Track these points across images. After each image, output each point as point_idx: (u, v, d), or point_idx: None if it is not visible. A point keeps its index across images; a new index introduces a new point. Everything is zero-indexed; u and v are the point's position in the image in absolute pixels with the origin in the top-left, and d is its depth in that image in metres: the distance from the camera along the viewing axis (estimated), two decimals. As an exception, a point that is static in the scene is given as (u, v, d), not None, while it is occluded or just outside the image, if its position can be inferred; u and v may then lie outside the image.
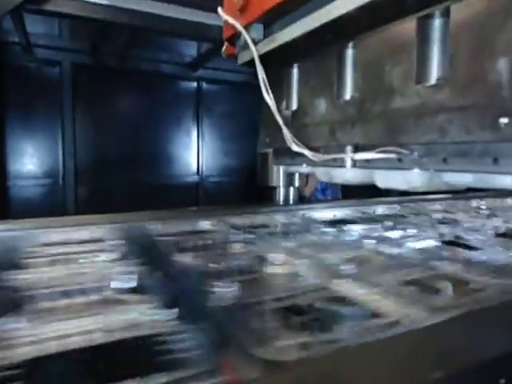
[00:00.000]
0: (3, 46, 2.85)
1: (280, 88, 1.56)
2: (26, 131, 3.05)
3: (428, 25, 0.98)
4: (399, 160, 1.06)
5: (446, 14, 0.96)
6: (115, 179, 3.36)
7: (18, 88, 2.97)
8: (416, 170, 1.04)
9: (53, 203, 3.18)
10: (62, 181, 3.20)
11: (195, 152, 3.74)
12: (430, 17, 0.97)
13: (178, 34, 2.74)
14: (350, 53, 1.24)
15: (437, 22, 0.97)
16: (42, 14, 2.43)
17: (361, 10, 0.97)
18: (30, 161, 3.11)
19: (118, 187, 3.35)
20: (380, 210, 1.85)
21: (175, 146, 3.66)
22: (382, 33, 1.08)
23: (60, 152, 3.17)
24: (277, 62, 1.53)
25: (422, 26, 0.98)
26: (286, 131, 1.27)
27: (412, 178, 1.07)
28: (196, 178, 3.77)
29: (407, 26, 1.02)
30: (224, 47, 1.60)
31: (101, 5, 2.24)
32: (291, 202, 2.11)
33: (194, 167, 3.75)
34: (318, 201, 3.08)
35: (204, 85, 3.71)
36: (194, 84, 3.69)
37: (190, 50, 3.49)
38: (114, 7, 2.29)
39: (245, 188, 3.65)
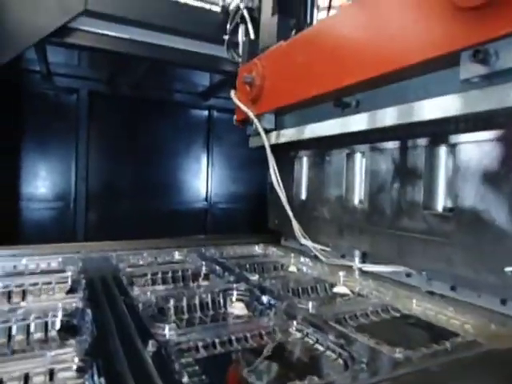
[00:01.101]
0: (24, 73, 2.99)
1: (289, 175, 1.60)
2: (40, 155, 3.14)
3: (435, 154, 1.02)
4: (408, 275, 1.11)
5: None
6: (125, 205, 3.40)
7: (36, 114, 3.08)
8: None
9: (63, 226, 3.21)
10: (73, 205, 3.25)
11: (204, 179, 3.79)
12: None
13: (192, 65, 2.84)
14: (358, 159, 1.27)
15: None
16: (64, 46, 2.56)
17: (372, 130, 1.01)
18: (43, 184, 3.17)
19: (128, 213, 3.38)
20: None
21: (185, 173, 3.71)
22: (394, 148, 1.12)
23: (73, 176, 3.23)
24: (287, 151, 1.58)
25: (429, 153, 1.03)
26: (295, 224, 1.30)
27: None
28: (205, 204, 3.80)
29: (414, 144, 1.06)
30: (235, 116, 1.64)
31: (120, 38, 2.34)
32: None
33: (203, 194, 3.79)
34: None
35: (215, 113, 3.80)
36: (206, 112, 3.78)
37: (203, 80, 3.60)
38: (132, 40, 2.39)
39: (252, 215, 3.65)
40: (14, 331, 0.78)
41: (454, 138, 0.94)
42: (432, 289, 1.00)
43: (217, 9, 2.53)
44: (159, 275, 1.16)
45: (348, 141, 1.20)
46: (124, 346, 0.66)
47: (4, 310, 0.81)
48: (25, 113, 3.03)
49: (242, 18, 2.06)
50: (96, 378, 0.56)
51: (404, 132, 1.03)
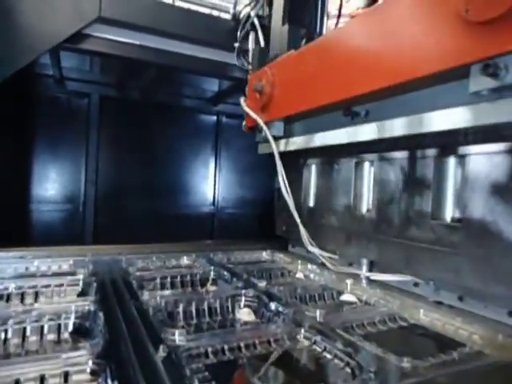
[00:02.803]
0: (38, 78, 3.05)
1: (298, 182, 1.61)
2: (51, 158, 3.19)
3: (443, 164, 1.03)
4: (415, 285, 1.11)
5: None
6: (133, 208, 3.43)
7: (48, 117, 3.13)
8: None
9: (72, 229, 3.25)
10: (82, 207, 3.29)
11: (212, 183, 3.81)
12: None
13: (201, 72, 2.87)
14: (367, 168, 1.29)
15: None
16: (78, 52, 2.61)
17: (381, 140, 1.03)
18: (53, 186, 3.22)
19: (136, 216, 3.41)
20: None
21: (193, 177, 3.74)
22: (402, 158, 1.13)
23: (82, 179, 3.27)
24: (296, 158, 1.59)
25: (438, 163, 1.04)
26: (302, 230, 1.31)
27: None
28: (212, 208, 3.82)
29: (423, 155, 1.07)
30: (244, 122, 1.66)
31: (131, 44, 2.38)
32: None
33: (211, 198, 3.81)
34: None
35: (223, 119, 3.83)
36: (214, 118, 3.81)
37: (212, 85, 3.64)
38: (142, 46, 2.43)
39: (259, 220, 3.67)
40: (28, 332, 0.79)
41: (462, 150, 0.95)
42: (439, 299, 1.01)
43: (227, 16, 2.56)
44: (168, 279, 1.17)
45: (357, 150, 1.21)
46: (136, 350, 0.68)
47: (19, 310, 0.83)
48: (37, 116, 3.09)
49: (253, 25, 2.08)
50: (109, 381, 0.58)
51: (413, 142, 1.04)
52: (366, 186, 1.26)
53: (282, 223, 1.70)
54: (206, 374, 0.63)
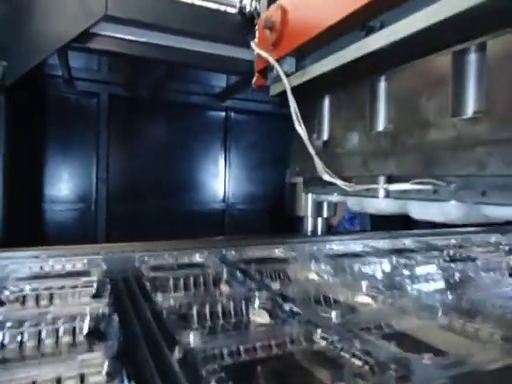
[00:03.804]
0: (47, 78, 3.07)
1: (311, 118, 1.57)
2: (63, 158, 3.22)
3: (464, 59, 0.97)
4: (435, 192, 1.04)
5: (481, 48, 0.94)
6: (145, 206, 3.46)
7: (58, 117, 3.17)
8: (453, 202, 1.00)
9: (85, 227, 3.29)
10: (94, 206, 3.32)
11: (222, 180, 3.81)
12: (465, 51, 0.96)
13: (208, 67, 2.86)
14: (383, 85, 1.25)
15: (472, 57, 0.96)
16: (85, 52, 2.62)
17: (394, 45, 0.98)
18: (65, 186, 3.26)
19: (148, 214, 3.44)
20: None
21: (203, 174, 3.74)
22: (417, 66, 1.08)
23: (93, 178, 3.31)
24: (308, 92, 1.54)
25: (457, 60, 0.98)
26: (317, 161, 1.27)
27: (449, 210, 1.03)
28: (222, 205, 3.83)
29: (443, 59, 1.01)
30: (254, 79, 1.64)
31: (138, 42, 2.37)
32: (319, 231, 2.08)
33: (221, 195, 3.81)
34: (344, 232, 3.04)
35: (232, 114, 3.82)
36: (223, 114, 3.80)
37: (220, 81, 3.63)
38: (149, 44, 2.43)
39: (270, 216, 3.66)
40: (43, 335, 0.79)
41: (483, 36, 0.88)
42: (461, 199, 0.94)
43: (233, 10, 2.54)
44: (181, 280, 1.16)
45: (371, 68, 1.14)
46: (151, 351, 0.67)
47: (34, 313, 0.83)
48: (48, 117, 3.12)
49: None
50: (126, 382, 0.57)
51: (428, 42, 0.96)
52: (381, 102, 1.20)
53: (295, 166, 1.64)
54: (223, 375, 0.62)
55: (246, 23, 2.33)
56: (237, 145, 3.84)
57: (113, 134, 3.32)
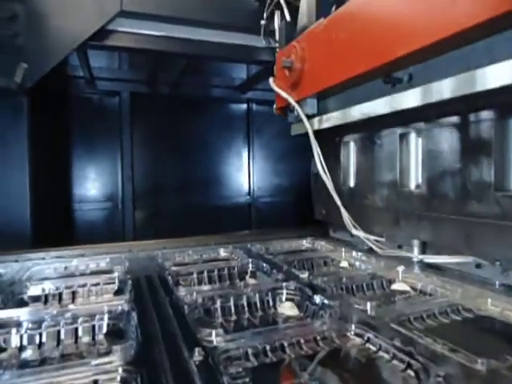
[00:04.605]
0: (70, 79, 3.11)
1: (335, 162, 1.48)
2: (89, 157, 3.26)
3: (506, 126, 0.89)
4: (478, 267, 0.97)
5: None
6: (170, 202, 3.46)
7: (82, 118, 3.20)
8: None
9: (113, 226, 3.33)
10: (121, 204, 3.35)
11: (246, 173, 3.76)
12: None
13: (229, 58, 2.80)
14: (414, 139, 1.14)
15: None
16: (103, 49, 2.62)
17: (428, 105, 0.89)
18: (93, 185, 3.30)
19: (173, 210, 3.44)
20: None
21: (227, 168, 3.70)
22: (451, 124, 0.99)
23: (119, 177, 3.33)
24: (332, 137, 1.46)
25: (499, 126, 0.89)
26: (344, 213, 1.19)
27: None
28: (248, 198, 3.77)
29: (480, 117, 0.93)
30: (274, 106, 1.56)
31: (156, 36, 2.34)
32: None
33: (246, 188, 3.76)
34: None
35: (254, 106, 3.75)
36: (244, 106, 3.74)
37: (240, 72, 3.56)
38: (167, 37, 2.39)
39: (297, 207, 3.57)
40: (62, 335, 0.76)
41: None
42: (508, 281, 0.87)
43: (250, -2, 2.45)
44: (205, 274, 1.12)
45: (400, 120, 1.08)
46: (169, 353, 0.62)
47: (53, 313, 0.80)
48: (72, 117, 3.16)
49: (278, 4, 1.97)
50: (141, 389, 0.52)
51: (466, 104, 0.90)
52: (413, 159, 1.13)
53: (320, 207, 1.59)
54: (247, 379, 0.56)
55: (263, 10, 2.25)
56: (260, 137, 3.77)
57: (136, 132, 3.33)
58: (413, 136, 1.11)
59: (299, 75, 1.20)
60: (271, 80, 1.37)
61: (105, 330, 0.78)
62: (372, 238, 1.19)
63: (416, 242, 1.10)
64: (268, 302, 0.93)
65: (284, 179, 3.83)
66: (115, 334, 0.77)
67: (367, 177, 1.30)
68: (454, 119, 0.96)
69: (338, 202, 1.15)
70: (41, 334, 0.76)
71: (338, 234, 1.52)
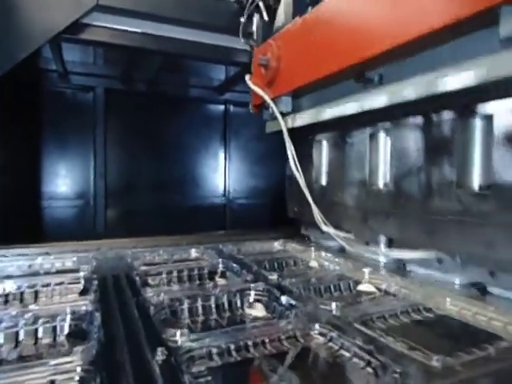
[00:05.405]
0: (42, 72, 3.01)
1: (308, 160, 1.51)
2: (60, 153, 3.17)
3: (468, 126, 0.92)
4: (439, 261, 1.01)
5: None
6: (144, 201, 3.40)
7: (54, 112, 3.11)
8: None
9: (84, 224, 3.24)
10: (92, 202, 3.27)
11: (222, 174, 3.75)
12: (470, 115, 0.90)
13: (207, 58, 2.78)
14: (382, 139, 1.18)
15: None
16: (77, 43, 2.55)
17: (397, 105, 0.92)
18: (64, 182, 3.20)
19: (147, 209, 3.38)
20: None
21: (203, 168, 3.68)
22: (419, 123, 1.02)
23: (91, 174, 3.25)
24: (305, 134, 1.48)
25: (462, 126, 0.93)
26: (315, 210, 1.21)
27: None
28: (223, 199, 3.77)
29: (444, 118, 0.96)
30: (251, 106, 1.57)
31: (132, 32, 2.31)
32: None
33: (221, 189, 3.75)
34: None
35: (231, 108, 3.74)
36: (222, 107, 3.73)
37: (219, 73, 3.55)
38: (144, 34, 2.36)
39: (271, 210, 3.59)
40: (21, 336, 0.74)
41: (490, 107, 0.84)
42: (468, 276, 0.91)
43: (230, -1, 2.45)
44: (174, 274, 1.11)
45: (370, 119, 1.10)
46: (132, 354, 0.61)
47: (12, 314, 0.78)
48: (43, 112, 3.06)
49: (257, 6, 1.98)
50: (100, 391, 0.52)
51: (432, 105, 0.93)
52: (382, 158, 1.16)
53: (293, 205, 1.61)
54: (209, 378, 0.56)
55: (242, 12, 2.25)
56: (237, 138, 3.77)
57: (110, 129, 3.26)
58: (382, 135, 1.14)
59: (275, 73, 1.21)
60: (247, 77, 1.38)
61: (66, 331, 0.76)
62: (341, 234, 1.22)
63: (383, 239, 1.13)
64: (236, 303, 0.94)
65: (260, 181, 3.84)
66: (77, 336, 0.75)
67: (338, 175, 1.33)
68: (420, 119, 0.99)
69: (310, 199, 1.17)
70: (-2, 335, 0.73)
71: (310, 231, 1.54)
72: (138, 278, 1.01)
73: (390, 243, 1.14)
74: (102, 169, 3.24)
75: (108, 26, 2.26)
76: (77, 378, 0.53)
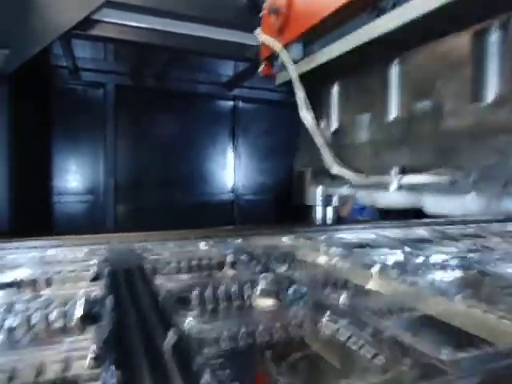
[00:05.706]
0: (53, 69, 3.05)
1: (319, 107, 1.48)
2: (70, 149, 3.21)
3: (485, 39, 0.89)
4: (452, 183, 0.96)
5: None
6: (153, 197, 3.43)
7: (65, 109, 3.15)
8: (471, 195, 0.92)
9: (93, 219, 3.29)
10: (102, 197, 3.31)
11: (231, 170, 3.76)
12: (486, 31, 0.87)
13: (215, 54, 2.80)
14: (396, 70, 1.16)
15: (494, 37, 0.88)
16: (87, 39, 2.59)
17: (407, 26, 0.90)
18: (74, 178, 3.25)
19: (156, 204, 3.41)
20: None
21: (211, 164, 3.70)
22: (433, 49, 0.99)
23: (101, 170, 3.29)
24: (317, 80, 1.45)
25: (477, 40, 0.89)
26: (325, 152, 1.20)
27: (467, 204, 0.95)
28: (231, 195, 3.78)
29: (460, 40, 0.93)
30: (261, 67, 1.56)
31: (142, 28, 2.33)
32: (329, 221, 2.01)
33: (230, 185, 3.76)
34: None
35: (240, 104, 3.76)
36: (231, 103, 3.74)
37: (227, 69, 3.56)
38: (154, 30, 2.37)
39: (280, 206, 3.59)
40: (34, 320, 0.75)
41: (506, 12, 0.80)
42: (480, 191, 0.87)
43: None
44: (184, 263, 1.12)
45: (383, 51, 1.06)
46: (143, 335, 0.62)
47: (25, 298, 0.79)
48: (54, 108, 3.11)
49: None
50: (112, 368, 0.53)
51: (445, 21, 0.88)
52: (393, 89, 1.12)
53: (303, 155, 1.55)
54: (220, 360, 0.57)
55: (251, 7, 2.25)
56: (245, 134, 3.78)
57: (120, 125, 3.29)
58: (394, 65, 1.10)
59: (285, 18, 1.19)
60: (257, 31, 1.36)
61: (79, 314, 0.78)
62: (353, 174, 1.16)
63: (395, 169, 1.06)
64: (245, 291, 0.94)
65: (268, 178, 3.85)
66: (89, 319, 0.76)
67: (349, 116, 1.27)
68: (432, 43, 0.95)
69: (319, 141, 1.14)
70: (9, 319, 0.75)
71: (319, 180, 1.45)
72: (148, 266, 1.02)
73: (404, 172, 1.07)
74: (111, 164, 3.28)
75: (118, 21, 2.28)
76: (91, 355, 0.54)
